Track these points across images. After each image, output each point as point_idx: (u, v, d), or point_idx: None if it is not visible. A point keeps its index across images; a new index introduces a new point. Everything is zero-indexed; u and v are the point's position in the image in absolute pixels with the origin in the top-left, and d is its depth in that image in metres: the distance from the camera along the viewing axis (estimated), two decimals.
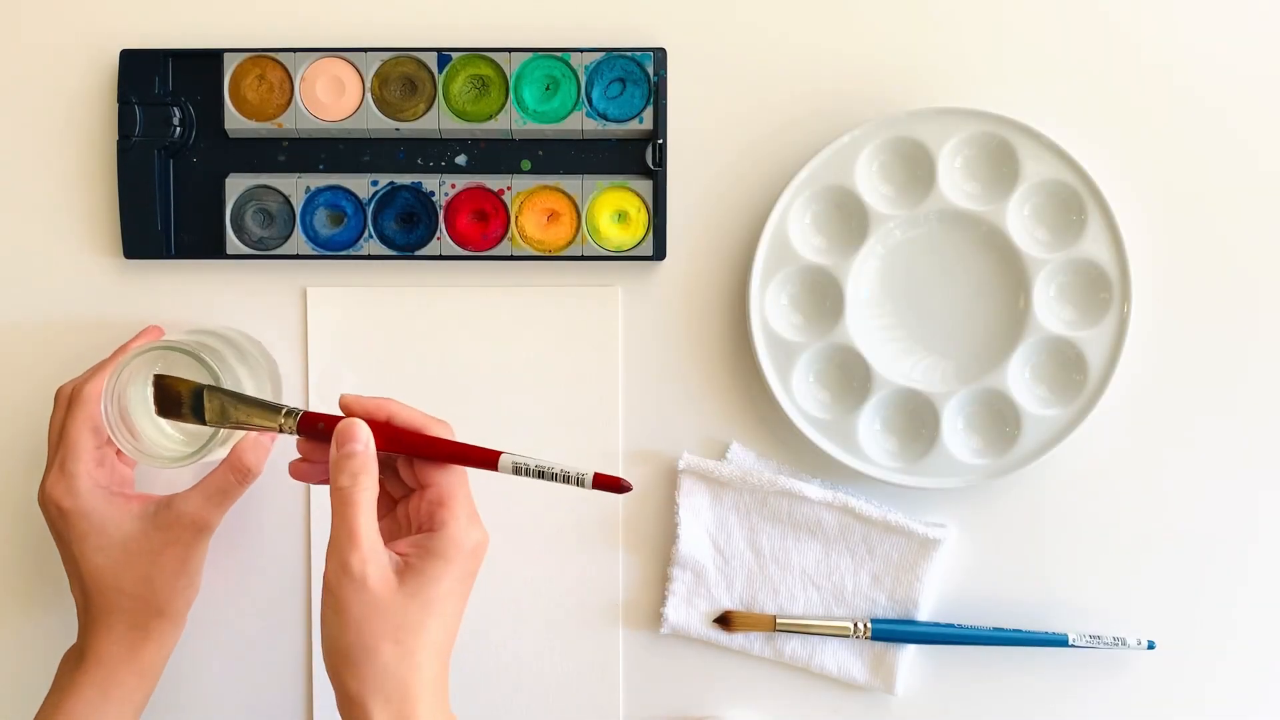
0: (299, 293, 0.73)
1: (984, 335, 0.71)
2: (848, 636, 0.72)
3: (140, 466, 0.70)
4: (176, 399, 0.60)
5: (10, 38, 0.73)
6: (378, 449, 0.58)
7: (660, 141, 0.71)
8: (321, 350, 0.73)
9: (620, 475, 0.56)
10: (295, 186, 0.71)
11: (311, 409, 0.62)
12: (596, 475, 0.56)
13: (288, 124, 0.71)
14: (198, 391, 0.60)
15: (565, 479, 0.57)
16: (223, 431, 0.63)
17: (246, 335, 0.71)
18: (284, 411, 0.60)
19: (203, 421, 0.60)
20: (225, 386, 0.63)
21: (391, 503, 0.62)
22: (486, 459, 0.58)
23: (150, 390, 0.61)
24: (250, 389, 0.66)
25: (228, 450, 0.67)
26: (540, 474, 0.57)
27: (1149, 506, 0.73)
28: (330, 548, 0.56)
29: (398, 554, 0.57)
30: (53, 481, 0.66)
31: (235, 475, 0.66)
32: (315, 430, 0.59)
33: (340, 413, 0.59)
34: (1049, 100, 0.72)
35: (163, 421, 0.66)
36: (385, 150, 0.72)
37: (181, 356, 0.64)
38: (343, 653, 0.56)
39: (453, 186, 0.71)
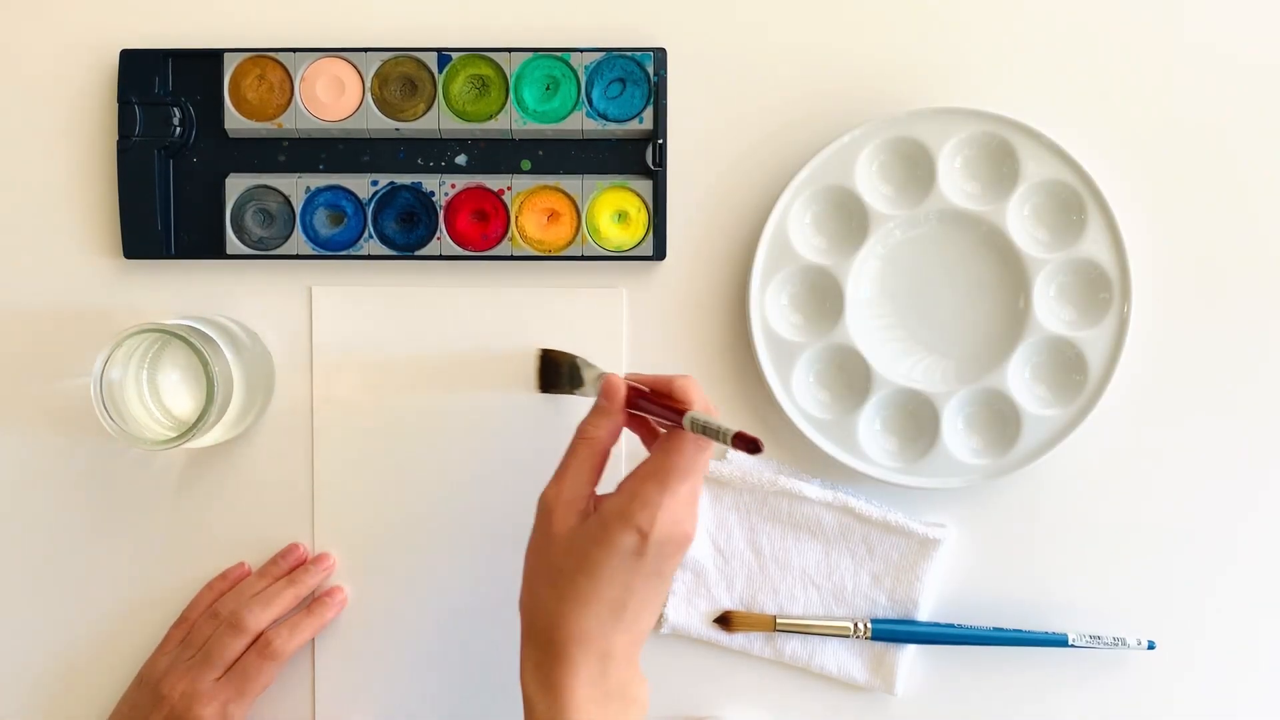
0: (299, 293, 0.73)
1: (984, 335, 0.71)
2: (848, 636, 0.72)
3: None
4: (556, 369, 0.69)
5: (10, 38, 0.73)
6: (633, 408, 0.62)
7: (660, 141, 0.71)
8: (325, 349, 0.73)
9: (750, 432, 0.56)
10: (295, 186, 0.71)
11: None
12: (737, 433, 0.56)
13: (288, 124, 0.71)
14: (573, 362, 0.69)
15: (718, 433, 0.57)
16: (210, 418, 0.64)
17: (243, 326, 0.71)
18: (597, 375, 0.67)
19: (572, 388, 0.68)
20: (215, 372, 0.64)
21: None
22: (676, 414, 0.59)
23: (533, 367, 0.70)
24: (240, 378, 0.67)
25: (212, 437, 0.67)
26: (706, 429, 0.57)
27: (1149, 506, 0.73)
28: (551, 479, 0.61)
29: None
30: None
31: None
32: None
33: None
34: (1049, 100, 0.72)
35: (152, 406, 0.67)
36: (385, 150, 0.72)
37: (173, 340, 0.65)
38: (524, 573, 0.62)
39: (453, 186, 0.71)
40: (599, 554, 0.58)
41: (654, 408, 0.61)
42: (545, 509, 0.61)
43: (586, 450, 0.61)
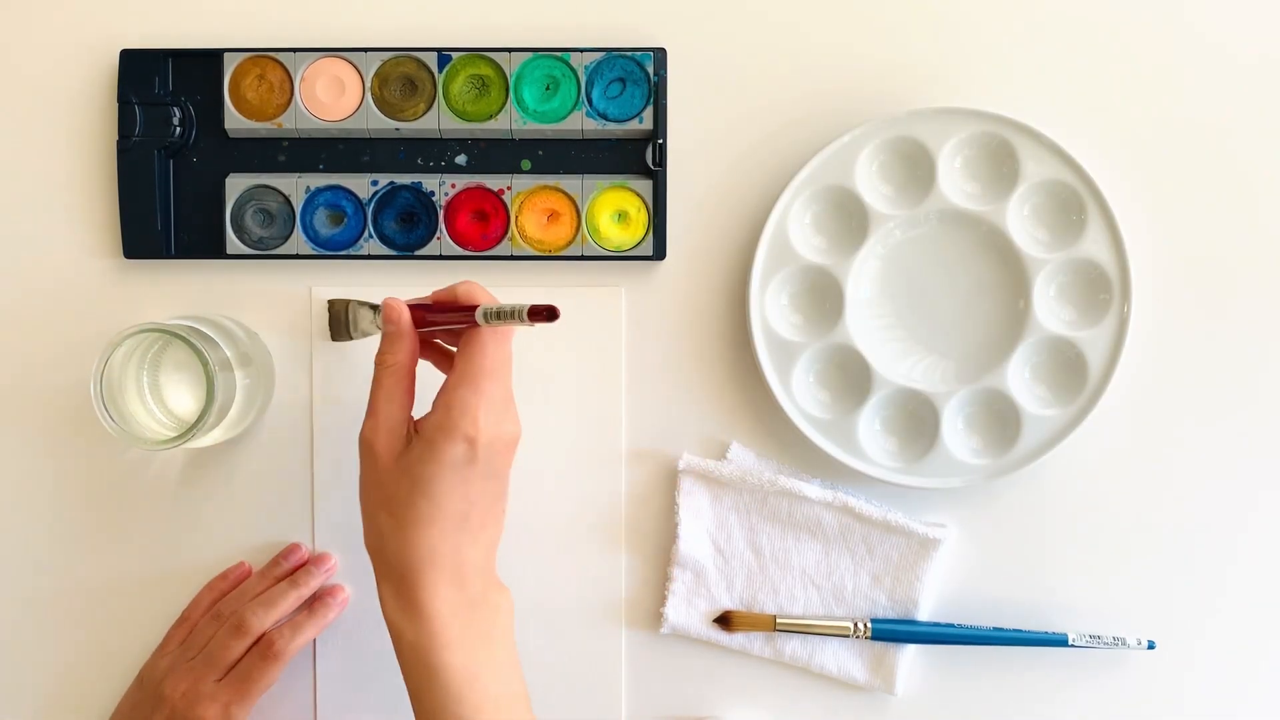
0: (299, 293, 0.73)
1: (984, 335, 0.71)
2: (848, 636, 0.72)
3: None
4: (337, 317, 0.70)
5: (10, 38, 0.73)
6: (419, 325, 0.61)
7: (660, 141, 0.71)
8: (326, 349, 0.73)
9: (548, 304, 0.56)
10: (295, 186, 0.71)
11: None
12: (531, 307, 0.56)
13: (288, 124, 0.71)
14: (347, 305, 0.69)
15: (513, 314, 0.57)
16: (209, 419, 0.64)
17: (242, 325, 0.71)
18: (375, 308, 0.66)
19: (354, 330, 0.69)
20: (215, 372, 0.65)
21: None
22: (466, 314, 0.59)
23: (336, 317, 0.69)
24: (240, 378, 0.67)
25: (212, 437, 0.67)
26: (500, 314, 0.58)
27: (1149, 506, 0.73)
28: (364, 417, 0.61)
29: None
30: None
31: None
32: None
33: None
34: (1049, 100, 0.72)
35: (152, 406, 0.67)
36: (385, 150, 0.72)
37: (173, 340, 0.65)
38: (362, 514, 0.61)
39: (453, 186, 0.71)
40: (431, 471, 0.58)
41: (443, 317, 0.61)
42: (366, 445, 0.60)
43: (389, 378, 0.61)
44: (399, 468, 0.59)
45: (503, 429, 0.60)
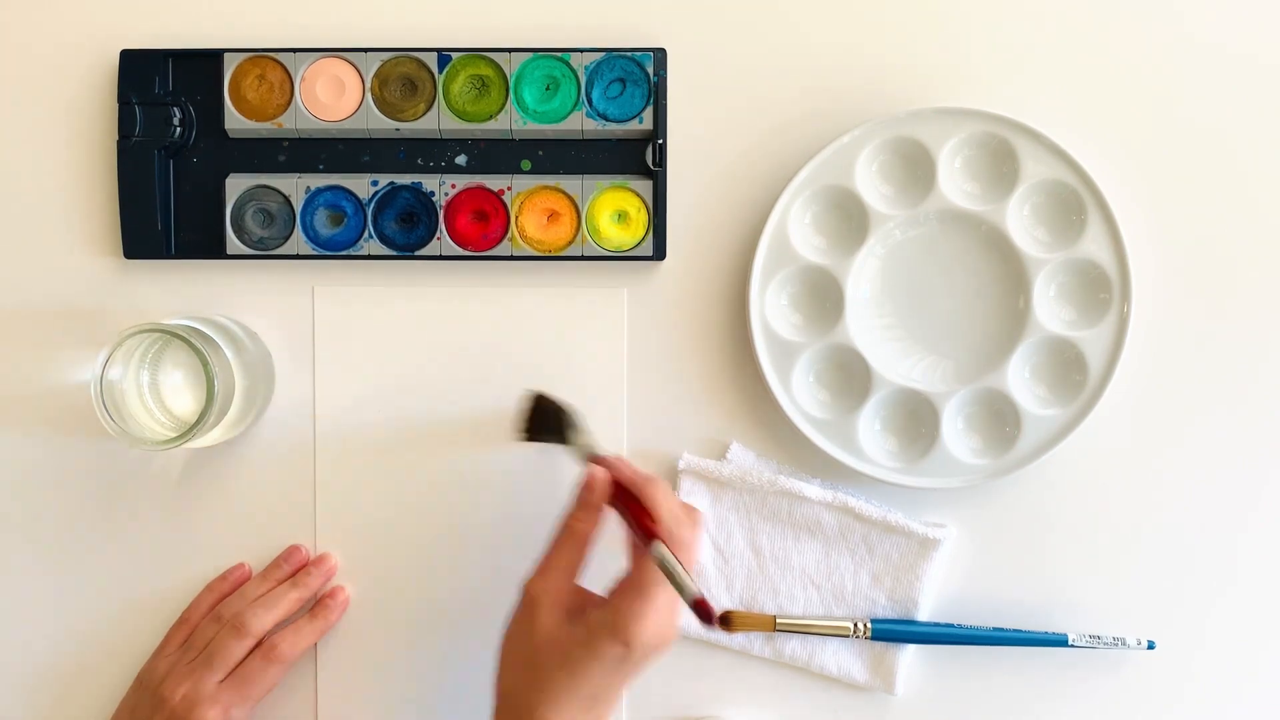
0: (299, 293, 0.73)
1: (984, 335, 0.71)
2: (848, 636, 0.72)
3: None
4: (546, 418, 0.68)
5: (10, 38, 0.73)
6: (613, 505, 0.64)
7: (660, 141, 0.71)
8: (326, 349, 0.73)
9: (711, 604, 0.59)
10: (295, 186, 0.71)
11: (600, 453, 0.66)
12: (697, 599, 0.59)
13: (288, 124, 0.71)
14: (559, 414, 0.68)
15: (679, 586, 0.60)
16: (209, 419, 0.64)
17: (243, 326, 0.71)
18: (586, 445, 0.66)
19: (550, 437, 0.68)
20: (215, 372, 0.64)
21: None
22: (649, 534, 0.61)
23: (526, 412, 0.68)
24: (241, 378, 0.67)
25: (212, 437, 0.67)
26: (669, 573, 0.60)
27: (1149, 506, 0.73)
28: (537, 564, 0.63)
29: (585, 604, 0.62)
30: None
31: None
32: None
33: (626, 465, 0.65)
34: (1049, 100, 0.72)
35: (152, 406, 0.68)
36: (385, 150, 0.72)
37: (174, 340, 0.65)
38: (501, 652, 0.64)
39: (453, 186, 0.71)
40: (583, 657, 0.60)
41: (629, 520, 0.63)
42: (531, 601, 0.62)
43: (571, 543, 0.63)
44: (554, 639, 0.61)
45: (660, 638, 0.61)
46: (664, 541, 0.60)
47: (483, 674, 0.69)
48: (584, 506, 0.63)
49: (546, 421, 0.68)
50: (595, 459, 0.65)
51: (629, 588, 0.61)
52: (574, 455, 0.67)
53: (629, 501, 0.63)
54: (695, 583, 0.59)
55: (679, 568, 0.60)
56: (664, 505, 0.62)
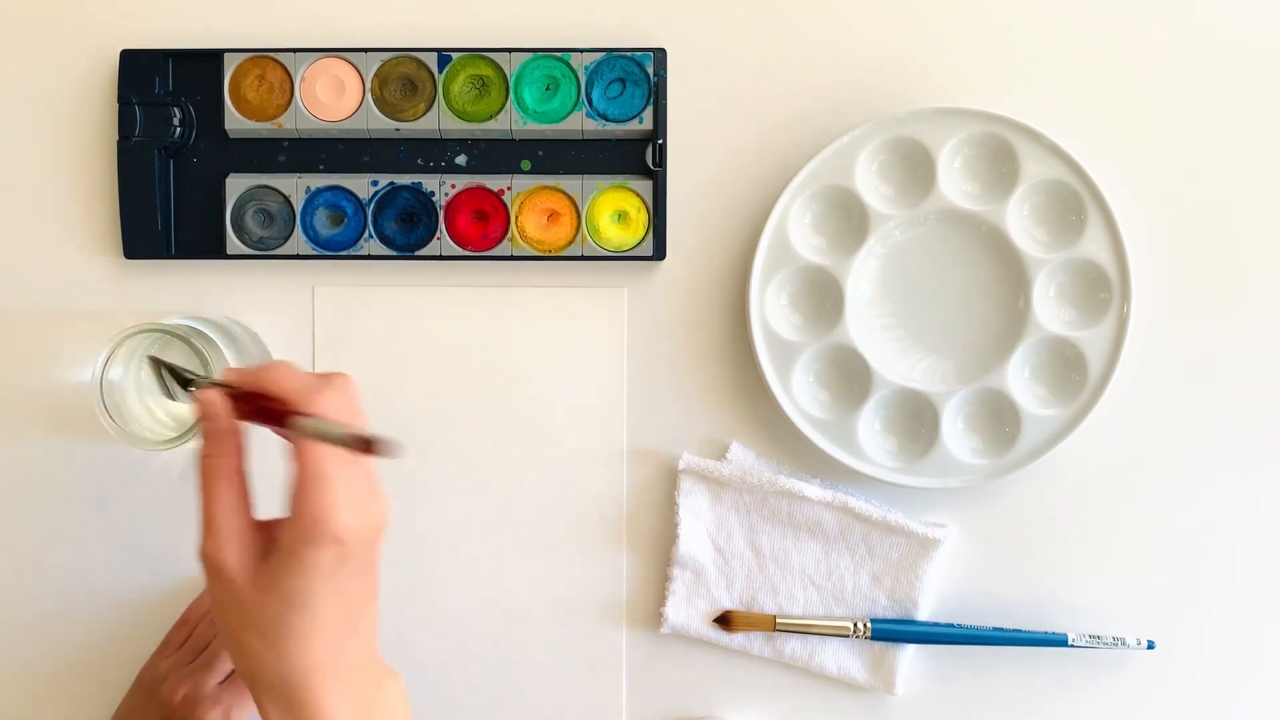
0: (299, 293, 0.73)
1: (984, 335, 0.71)
2: (847, 636, 0.72)
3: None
4: (160, 377, 0.64)
5: (10, 38, 0.73)
6: (245, 419, 0.55)
7: (660, 141, 0.71)
8: (326, 349, 0.73)
9: (375, 435, 0.51)
10: (295, 186, 0.71)
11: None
12: (352, 435, 0.51)
13: (288, 124, 0.71)
14: (157, 365, 0.63)
15: (341, 441, 0.52)
16: None
17: (242, 325, 0.71)
18: (189, 383, 0.62)
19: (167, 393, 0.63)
20: (215, 372, 0.64)
21: None
22: (286, 414, 0.53)
23: (144, 372, 0.64)
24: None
25: None
26: (326, 437, 0.52)
27: (1149, 506, 0.73)
28: (200, 527, 0.54)
29: (276, 536, 0.53)
30: None
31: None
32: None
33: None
34: (1049, 100, 0.72)
35: (152, 405, 0.67)
36: (385, 150, 0.72)
37: (174, 340, 0.65)
38: (222, 637, 0.54)
39: (453, 186, 0.71)
40: (300, 584, 0.52)
41: (264, 420, 0.54)
42: (212, 564, 0.53)
43: (220, 485, 0.54)
44: (260, 585, 0.52)
45: (370, 517, 0.53)
46: (302, 413, 0.52)
47: (484, 673, 0.70)
48: (213, 438, 0.54)
49: (160, 378, 0.64)
50: (207, 387, 0.56)
51: (305, 483, 0.52)
52: (189, 400, 0.61)
53: (253, 402, 0.54)
54: (351, 427, 0.51)
55: (331, 426, 0.51)
56: (286, 383, 0.53)
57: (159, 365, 0.65)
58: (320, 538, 0.51)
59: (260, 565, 0.53)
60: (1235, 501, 0.73)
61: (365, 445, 0.50)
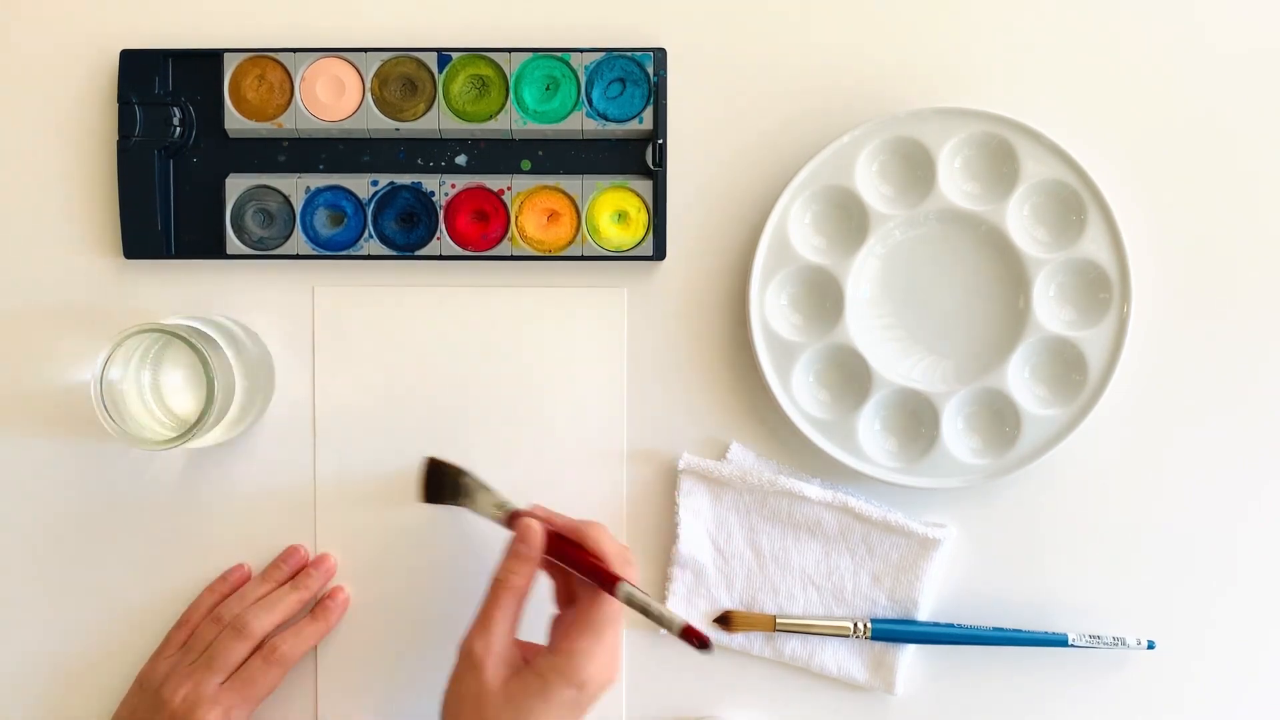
0: (299, 293, 0.73)
1: (984, 335, 0.71)
2: (848, 636, 0.72)
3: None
4: (440, 481, 0.68)
5: (11, 38, 0.73)
6: (550, 554, 0.64)
7: (660, 141, 0.71)
8: (327, 349, 0.73)
9: (701, 629, 0.61)
10: (295, 186, 0.71)
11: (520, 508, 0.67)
12: (686, 626, 0.60)
13: (288, 124, 0.71)
14: (460, 477, 0.68)
15: (660, 620, 0.61)
16: (209, 419, 0.64)
17: (243, 326, 0.71)
18: (498, 504, 0.67)
19: (457, 500, 0.68)
20: (215, 372, 0.64)
21: (570, 600, 0.65)
22: (606, 580, 0.62)
23: (422, 473, 0.69)
24: (240, 378, 0.67)
25: (212, 437, 0.67)
26: (644, 609, 0.61)
27: (1149, 506, 0.73)
28: (474, 621, 0.63)
29: (527, 657, 0.62)
30: None
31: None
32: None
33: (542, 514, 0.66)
34: (1049, 100, 0.72)
35: (152, 404, 0.68)
36: (385, 150, 0.72)
37: (174, 340, 0.65)
38: (445, 713, 0.63)
39: (453, 186, 0.71)
40: (538, 708, 0.60)
41: (578, 566, 0.63)
42: (473, 661, 0.61)
43: (508, 598, 0.62)
44: (504, 694, 0.61)
45: (609, 675, 0.61)
46: (610, 583, 0.61)
47: None
48: (519, 559, 0.63)
49: (444, 486, 0.68)
50: (517, 513, 0.65)
51: (579, 628, 0.61)
52: (485, 515, 0.67)
53: (567, 548, 0.63)
54: (672, 610, 0.59)
55: (654, 603, 0.60)
56: (610, 545, 0.63)
57: (453, 470, 0.68)
58: (573, 677, 0.60)
59: (508, 675, 0.61)
60: (1235, 501, 0.73)
61: (694, 637, 0.60)
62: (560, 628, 0.63)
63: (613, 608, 0.62)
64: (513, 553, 0.63)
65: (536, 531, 0.63)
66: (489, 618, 0.62)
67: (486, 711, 0.61)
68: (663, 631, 0.72)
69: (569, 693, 0.60)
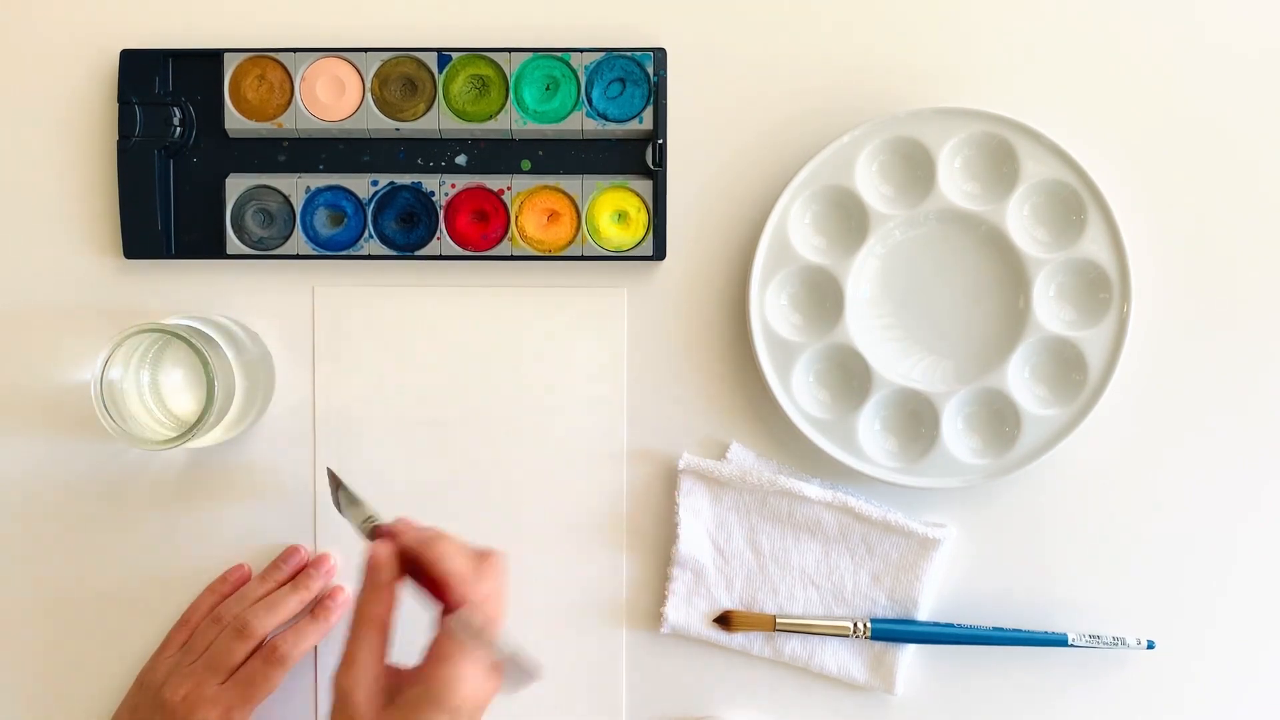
0: (299, 293, 0.73)
1: (984, 335, 0.71)
2: (847, 636, 0.72)
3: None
4: (334, 493, 0.67)
5: (10, 38, 0.73)
6: (403, 574, 0.61)
7: (660, 141, 0.71)
8: (327, 349, 0.73)
9: (525, 658, 0.58)
10: (295, 186, 0.71)
11: (382, 522, 0.65)
12: (511, 656, 0.58)
13: (288, 124, 0.71)
14: (335, 489, 0.67)
15: (492, 649, 0.58)
16: (209, 419, 0.64)
17: (243, 326, 0.71)
18: (365, 519, 0.65)
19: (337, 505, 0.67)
20: (215, 372, 0.64)
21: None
22: (445, 604, 0.59)
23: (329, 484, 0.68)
24: (241, 378, 0.67)
25: (212, 437, 0.67)
26: (475, 638, 0.58)
27: (1149, 506, 0.73)
28: (341, 657, 0.60)
29: (399, 681, 0.59)
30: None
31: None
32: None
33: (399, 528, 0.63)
34: (1049, 100, 0.72)
35: (152, 404, 0.68)
36: (385, 150, 0.72)
37: (174, 340, 0.65)
38: None
39: (453, 186, 0.71)
40: None
41: (424, 588, 0.61)
42: (343, 693, 0.59)
43: (367, 630, 0.60)
44: None
45: (483, 693, 0.59)
46: (456, 606, 0.59)
47: None
48: (373, 588, 0.61)
49: (334, 496, 0.67)
50: (377, 531, 0.63)
51: (438, 656, 0.59)
52: (354, 528, 0.65)
53: (415, 569, 0.61)
54: (503, 638, 0.57)
55: (485, 633, 0.58)
56: (450, 565, 0.60)
57: (337, 482, 0.67)
58: (441, 705, 0.58)
59: (384, 705, 0.59)
60: (1235, 501, 0.73)
61: (520, 668, 0.58)
62: (429, 650, 0.60)
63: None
64: (366, 582, 0.61)
65: (381, 558, 0.61)
66: (352, 654, 0.60)
67: None
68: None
69: (442, 717, 0.58)
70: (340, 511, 0.67)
